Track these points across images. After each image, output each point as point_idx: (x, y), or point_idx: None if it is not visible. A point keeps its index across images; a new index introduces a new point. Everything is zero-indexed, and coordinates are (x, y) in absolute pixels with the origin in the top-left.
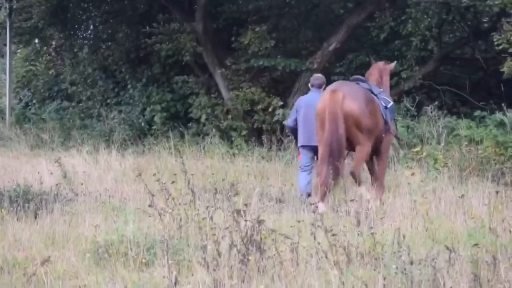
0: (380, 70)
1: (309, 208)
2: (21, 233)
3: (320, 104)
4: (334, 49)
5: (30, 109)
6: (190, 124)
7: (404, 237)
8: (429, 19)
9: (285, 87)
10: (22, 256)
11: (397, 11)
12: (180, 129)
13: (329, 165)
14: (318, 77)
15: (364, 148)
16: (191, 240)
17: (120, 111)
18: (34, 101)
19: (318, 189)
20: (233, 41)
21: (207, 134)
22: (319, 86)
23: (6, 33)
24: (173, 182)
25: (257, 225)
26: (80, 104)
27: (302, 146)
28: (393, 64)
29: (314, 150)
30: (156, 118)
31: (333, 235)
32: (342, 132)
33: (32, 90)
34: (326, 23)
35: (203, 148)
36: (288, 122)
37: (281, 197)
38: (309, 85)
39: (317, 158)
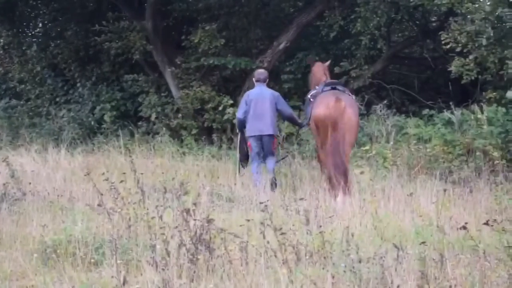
0: (324, 69)
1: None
2: None
3: (327, 110)
4: (284, 48)
5: None
6: (140, 123)
7: (353, 235)
8: (378, 18)
9: (235, 85)
10: None
11: (347, 10)
12: (130, 127)
13: (336, 162)
14: (262, 72)
15: (350, 148)
16: (140, 239)
17: (69, 110)
18: None
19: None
20: (183, 39)
21: (157, 133)
22: (264, 81)
23: None
24: (122, 181)
25: (206, 224)
26: (29, 103)
27: (253, 136)
28: (328, 62)
29: (262, 140)
30: (105, 117)
31: (282, 233)
32: (343, 134)
33: None
34: (276, 22)
35: (153, 147)
36: (239, 114)
37: (231, 196)
38: (254, 80)
39: (263, 148)
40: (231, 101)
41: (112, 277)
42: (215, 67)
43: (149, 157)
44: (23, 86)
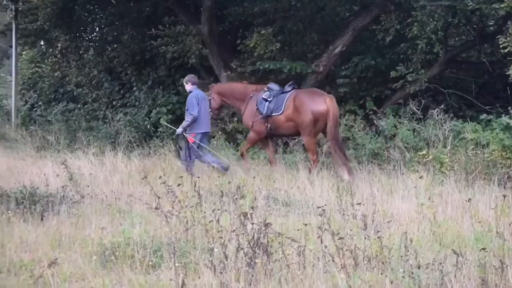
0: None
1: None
2: (27, 235)
3: (324, 106)
4: (340, 52)
5: (36, 111)
6: None
7: (411, 241)
8: (434, 22)
9: None
10: (29, 258)
11: (403, 14)
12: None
13: (340, 146)
14: (195, 76)
15: None
16: (197, 242)
17: (125, 113)
18: (40, 103)
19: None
20: (238, 43)
21: (213, 137)
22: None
23: (12, 35)
24: (179, 184)
25: (263, 228)
26: (86, 106)
27: (205, 133)
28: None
29: (207, 136)
30: (161, 120)
31: (340, 238)
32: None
33: (38, 92)
34: (332, 26)
35: (209, 151)
36: (195, 112)
37: (287, 200)
38: (191, 83)
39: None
40: None
41: (171, 280)
42: (270, 71)
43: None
44: (80, 89)
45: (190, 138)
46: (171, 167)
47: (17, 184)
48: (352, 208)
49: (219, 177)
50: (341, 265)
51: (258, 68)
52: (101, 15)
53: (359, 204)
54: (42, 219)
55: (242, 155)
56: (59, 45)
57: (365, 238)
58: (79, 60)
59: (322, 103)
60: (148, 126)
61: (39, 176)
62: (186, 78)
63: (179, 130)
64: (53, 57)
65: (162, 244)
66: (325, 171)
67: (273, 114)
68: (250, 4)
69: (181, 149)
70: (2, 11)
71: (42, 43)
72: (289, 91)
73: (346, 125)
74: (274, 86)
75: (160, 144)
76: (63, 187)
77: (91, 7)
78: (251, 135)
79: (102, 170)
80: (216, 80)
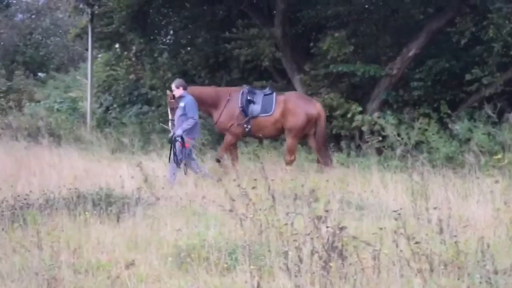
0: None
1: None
2: (104, 236)
3: (316, 110)
4: (414, 55)
5: (110, 113)
6: None
7: (488, 246)
8: (511, 25)
9: (364, 92)
10: (106, 259)
11: (478, 16)
12: None
13: (325, 147)
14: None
15: None
16: (272, 245)
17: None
18: (114, 105)
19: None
20: (312, 46)
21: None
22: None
23: (87, 38)
24: (253, 187)
25: (338, 232)
26: (160, 109)
27: (194, 138)
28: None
29: None
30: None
31: (416, 243)
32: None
33: (112, 95)
34: (406, 29)
35: (282, 154)
36: (196, 117)
37: (361, 203)
38: (182, 87)
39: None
40: (359, 108)
41: (246, 282)
42: (343, 74)
43: (278, 164)
44: (154, 92)
45: (187, 142)
46: (244, 170)
47: (93, 185)
48: (427, 212)
49: (292, 179)
50: (417, 269)
51: (331, 71)
52: (175, 19)
53: (435, 208)
54: (118, 220)
55: (218, 161)
56: (133, 48)
57: (441, 242)
58: (154, 63)
59: (314, 107)
60: None
61: (114, 178)
62: (177, 82)
63: (179, 131)
64: (127, 60)
65: (236, 247)
66: (399, 174)
67: (260, 115)
68: (324, 7)
69: (174, 154)
70: (78, 14)
71: (117, 46)
72: (271, 93)
73: (419, 128)
74: (251, 89)
75: None
76: (138, 189)
77: (166, 11)
78: (229, 138)
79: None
80: (289, 83)
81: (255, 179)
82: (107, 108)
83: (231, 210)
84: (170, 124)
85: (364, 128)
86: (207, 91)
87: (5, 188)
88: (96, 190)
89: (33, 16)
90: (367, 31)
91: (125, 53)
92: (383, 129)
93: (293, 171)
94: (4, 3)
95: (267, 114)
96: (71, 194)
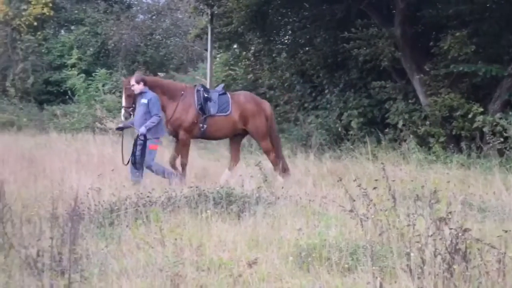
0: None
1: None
2: (225, 234)
3: (271, 110)
4: None
5: None
6: (387, 130)
7: None
8: None
9: (485, 93)
10: (227, 257)
11: None
12: (377, 134)
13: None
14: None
15: None
16: (393, 246)
17: (317, 116)
18: None
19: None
20: (432, 46)
21: (404, 140)
22: None
23: (207, 38)
24: (375, 188)
25: (461, 234)
26: (278, 108)
27: (160, 138)
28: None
29: None
30: (353, 123)
31: None
32: None
33: None
34: None
35: (401, 154)
36: (160, 114)
37: (482, 205)
38: (143, 83)
39: None
40: (481, 109)
41: (368, 283)
42: (464, 74)
43: (397, 164)
44: (272, 92)
45: (154, 144)
46: (363, 171)
47: (213, 184)
48: None
49: (412, 180)
50: None
51: (452, 71)
52: (294, 18)
53: None
54: (238, 219)
55: (183, 166)
56: (252, 48)
57: None
58: (272, 63)
59: (268, 107)
60: (339, 129)
61: (233, 177)
62: (137, 77)
63: (142, 129)
64: (246, 60)
65: (357, 247)
66: None
67: (217, 114)
68: (444, 6)
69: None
70: (198, 15)
71: (235, 46)
72: (224, 92)
73: None
74: (204, 87)
75: (351, 147)
76: (258, 188)
77: (284, 10)
78: (185, 136)
79: (294, 172)
80: (408, 83)
81: (376, 180)
82: None
83: (351, 211)
84: (122, 111)
85: (486, 129)
86: (166, 82)
87: (128, 186)
88: (217, 189)
89: (153, 17)
90: (489, 30)
91: (244, 53)
92: (505, 130)
93: (412, 171)
94: (126, 4)
95: (224, 114)
96: (192, 192)
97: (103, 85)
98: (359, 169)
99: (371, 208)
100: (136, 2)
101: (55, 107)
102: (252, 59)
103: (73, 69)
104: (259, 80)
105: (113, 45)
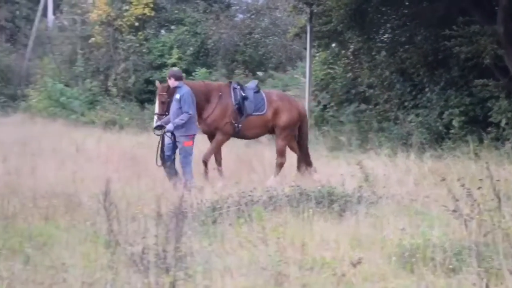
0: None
1: None
2: (327, 234)
3: (304, 111)
4: None
5: (328, 111)
6: (489, 129)
7: None
8: None
9: None
10: (330, 256)
11: None
12: (479, 133)
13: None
14: (179, 70)
15: None
16: (499, 247)
17: (417, 115)
18: (332, 104)
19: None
20: None
21: (507, 139)
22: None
23: (306, 37)
24: (479, 188)
25: None
26: (377, 107)
27: (194, 135)
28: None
29: None
30: (454, 122)
31: None
32: None
33: (330, 93)
34: None
35: (504, 153)
36: (192, 111)
37: None
38: (174, 78)
39: None
40: None
41: (474, 284)
42: None
43: (500, 164)
44: (371, 91)
45: (188, 141)
46: (465, 170)
47: (314, 183)
48: None
49: None
50: None
51: None
52: (394, 16)
53: None
54: (340, 218)
55: (205, 163)
56: (351, 46)
57: None
58: (371, 61)
59: (302, 107)
60: (440, 128)
61: (334, 176)
62: (170, 73)
63: (170, 126)
64: (345, 58)
65: (462, 248)
66: None
67: (254, 113)
68: None
69: (162, 152)
70: (297, 14)
71: (334, 44)
72: (258, 90)
73: None
74: (238, 85)
75: (453, 146)
76: (359, 187)
77: (384, 8)
78: (221, 137)
79: (395, 171)
80: (511, 81)
81: (480, 179)
82: (325, 107)
83: (454, 211)
84: (155, 119)
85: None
86: (199, 84)
87: (230, 185)
88: (318, 188)
89: (252, 16)
90: None
91: (343, 51)
92: None
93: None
94: (225, 3)
95: (260, 113)
96: (294, 191)
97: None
98: (461, 169)
99: (475, 208)
100: (235, 2)
101: None
102: (351, 57)
103: (173, 68)
104: (358, 79)
105: (212, 44)
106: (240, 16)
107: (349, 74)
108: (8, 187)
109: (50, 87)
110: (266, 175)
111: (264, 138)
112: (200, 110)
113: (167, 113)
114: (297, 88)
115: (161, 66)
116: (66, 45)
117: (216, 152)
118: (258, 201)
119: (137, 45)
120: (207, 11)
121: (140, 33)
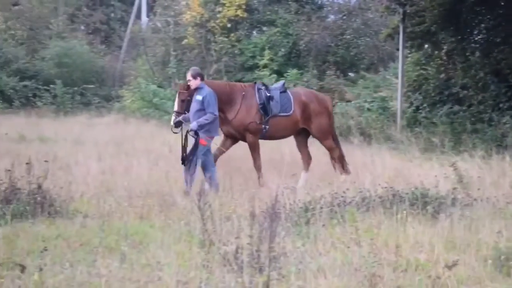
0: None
1: None
2: (421, 236)
3: (332, 106)
4: None
5: (420, 112)
6: None
7: None
8: None
9: None
10: (424, 258)
11: None
12: None
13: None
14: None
15: None
16: None
17: None
18: (424, 105)
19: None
20: None
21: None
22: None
23: (398, 38)
24: None
25: None
26: (471, 108)
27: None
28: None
29: None
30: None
31: None
32: None
33: (422, 94)
34: None
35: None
36: (217, 112)
37: None
38: (200, 78)
39: None
40: None
41: None
42: None
43: None
44: (465, 92)
45: (204, 140)
46: None
47: (407, 185)
48: None
49: None
50: None
51: None
52: (489, 17)
53: None
54: (434, 220)
55: (259, 169)
56: (445, 47)
57: None
58: (465, 62)
59: (330, 102)
60: None
61: (427, 177)
62: (194, 71)
63: (194, 124)
64: (438, 59)
65: None
66: None
67: (280, 114)
68: None
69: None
70: (390, 14)
71: (427, 45)
72: (285, 90)
73: None
74: (263, 85)
75: None
76: (453, 189)
77: (478, 9)
78: (252, 139)
79: (490, 174)
80: None
81: None
82: (417, 108)
83: None
84: (173, 116)
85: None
86: (221, 85)
87: (322, 185)
88: (412, 190)
89: (344, 17)
90: None
91: (436, 52)
92: None
93: None
94: (317, 5)
95: (287, 113)
96: (387, 193)
97: (294, 85)
98: None
99: None
100: (327, 3)
101: None
102: (444, 58)
103: (264, 69)
104: (451, 80)
105: (304, 45)
106: (332, 17)
107: (442, 75)
108: (103, 186)
109: (143, 88)
110: (359, 176)
111: (356, 140)
112: (223, 111)
113: (186, 112)
114: (389, 89)
115: (253, 67)
116: (159, 47)
117: (257, 155)
118: (351, 202)
119: (229, 46)
120: (299, 12)
121: (232, 34)
